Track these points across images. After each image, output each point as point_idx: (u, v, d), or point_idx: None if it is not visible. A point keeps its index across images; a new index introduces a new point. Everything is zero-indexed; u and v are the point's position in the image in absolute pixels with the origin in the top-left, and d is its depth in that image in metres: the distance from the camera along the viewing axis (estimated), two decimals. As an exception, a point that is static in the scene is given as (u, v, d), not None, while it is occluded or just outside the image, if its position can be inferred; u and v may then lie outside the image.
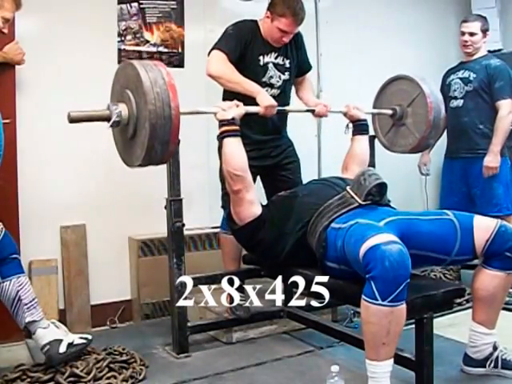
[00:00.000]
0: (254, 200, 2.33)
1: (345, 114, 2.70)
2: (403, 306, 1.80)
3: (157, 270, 3.09)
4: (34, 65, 2.91)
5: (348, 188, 2.24)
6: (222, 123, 2.29)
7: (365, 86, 3.97)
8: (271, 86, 2.83)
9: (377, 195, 2.22)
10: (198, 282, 2.88)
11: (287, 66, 2.89)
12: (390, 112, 2.65)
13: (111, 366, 2.32)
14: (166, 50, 3.35)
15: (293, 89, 3.04)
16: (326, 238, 2.14)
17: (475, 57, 3.51)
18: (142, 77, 1.87)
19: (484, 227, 2.09)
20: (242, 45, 2.73)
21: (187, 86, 2.98)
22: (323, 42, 3.87)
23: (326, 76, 3.89)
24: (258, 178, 2.91)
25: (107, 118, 1.98)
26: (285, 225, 2.30)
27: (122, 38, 3.24)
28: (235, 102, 2.35)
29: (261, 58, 2.79)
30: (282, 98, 2.87)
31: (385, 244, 1.78)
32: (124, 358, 2.40)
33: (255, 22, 2.86)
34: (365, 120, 2.74)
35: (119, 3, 3.21)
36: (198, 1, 3.43)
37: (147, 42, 3.31)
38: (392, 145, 2.73)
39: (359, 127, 2.72)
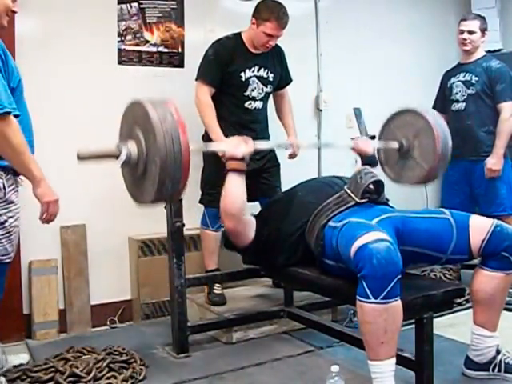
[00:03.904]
0: (248, 231, 2.31)
1: (353, 149, 2.67)
2: (397, 303, 1.79)
3: (157, 270, 3.09)
4: (33, 64, 2.91)
5: (345, 187, 2.26)
6: (231, 159, 2.23)
7: (364, 86, 3.99)
8: (253, 99, 3.00)
9: (374, 193, 2.24)
10: (197, 282, 2.89)
11: (270, 79, 3.05)
12: (396, 145, 2.64)
13: (111, 365, 2.32)
14: (166, 50, 3.35)
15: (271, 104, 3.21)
16: (323, 237, 2.15)
17: (474, 58, 3.49)
18: (150, 113, 1.85)
19: (480, 227, 2.09)
20: (223, 68, 2.91)
21: (187, 86, 3.01)
22: (323, 42, 3.88)
23: (325, 76, 3.90)
24: None
25: (117, 156, 1.95)
26: (284, 225, 2.31)
27: (122, 38, 3.24)
28: (244, 137, 2.30)
29: (242, 74, 2.95)
30: (264, 109, 3.09)
31: (372, 242, 1.80)
32: (124, 357, 2.40)
33: (238, 34, 3.00)
34: (373, 154, 2.67)
35: (119, 3, 3.21)
36: (198, 1, 3.43)
37: (147, 42, 3.30)
38: (400, 178, 2.70)
39: (368, 161, 2.64)
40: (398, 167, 2.67)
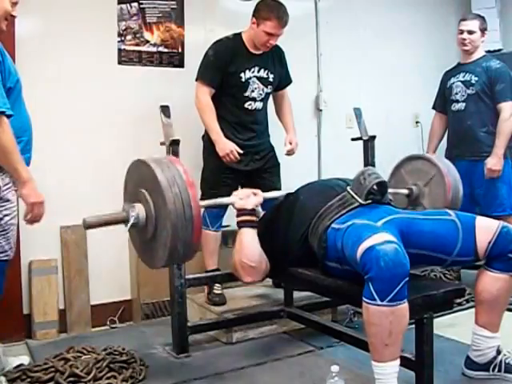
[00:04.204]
0: (266, 271, 2.28)
1: None
2: (404, 306, 1.78)
3: (157, 270, 3.05)
4: (33, 65, 2.91)
5: (348, 188, 2.23)
6: (241, 212, 2.24)
7: (364, 86, 4.00)
8: (253, 99, 3.00)
9: (377, 194, 2.21)
10: (197, 282, 2.89)
11: (270, 80, 3.06)
12: (406, 192, 2.63)
13: (111, 366, 2.32)
14: (166, 50, 3.35)
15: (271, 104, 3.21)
16: (326, 239, 2.12)
17: (474, 58, 3.49)
18: (159, 177, 1.80)
19: (486, 228, 2.06)
20: (222, 69, 2.91)
21: (187, 86, 3.01)
22: (323, 42, 3.89)
23: (325, 76, 3.90)
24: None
25: (124, 221, 1.92)
26: (288, 229, 2.28)
27: (122, 38, 3.24)
28: (253, 190, 2.32)
29: (242, 74, 2.95)
30: (264, 109, 3.09)
31: (379, 244, 1.77)
32: (124, 358, 2.39)
33: (238, 35, 3.00)
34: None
35: (119, 3, 3.21)
36: (198, 1, 3.43)
37: (147, 42, 3.31)
38: None
39: None
40: None
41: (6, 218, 2.05)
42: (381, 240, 1.79)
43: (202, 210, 2.32)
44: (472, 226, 2.07)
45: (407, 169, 2.69)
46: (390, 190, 2.66)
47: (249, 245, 2.22)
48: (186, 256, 1.94)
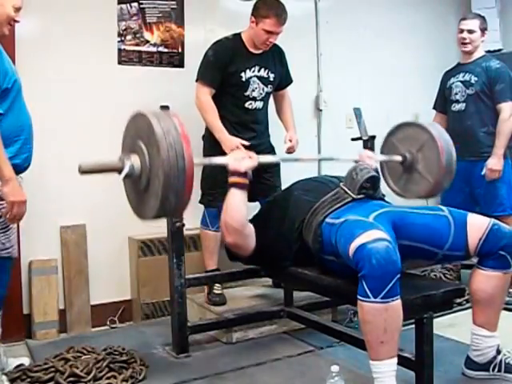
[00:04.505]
0: (248, 244, 2.31)
1: (356, 162, 2.66)
2: (397, 302, 1.79)
3: (157, 270, 3.09)
4: (33, 65, 2.91)
5: (341, 184, 2.26)
6: (234, 174, 2.23)
7: (364, 86, 3.99)
8: (254, 99, 3.01)
9: (370, 188, 2.25)
10: (197, 282, 2.89)
11: (271, 79, 3.06)
12: (400, 158, 2.63)
13: (111, 366, 2.32)
14: (166, 50, 3.35)
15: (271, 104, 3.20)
16: (321, 234, 2.15)
17: (474, 58, 3.49)
18: (155, 126, 1.82)
19: (477, 225, 2.09)
20: (222, 69, 2.92)
21: (187, 85, 3.01)
22: (323, 42, 3.89)
23: (325, 76, 3.90)
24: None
25: (119, 170, 1.93)
26: (282, 225, 2.31)
27: (122, 38, 3.24)
28: (248, 152, 2.31)
29: (242, 74, 2.95)
30: (265, 109, 3.09)
31: (371, 242, 1.80)
32: (124, 358, 2.40)
33: (238, 35, 3.01)
34: (376, 168, 2.62)
35: (119, 3, 3.21)
36: (198, 1, 3.43)
37: (147, 42, 3.31)
38: (405, 192, 2.68)
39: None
40: (402, 181, 2.65)
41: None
42: (372, 238, 1.82)
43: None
44: (464, 223, 2.10)
45: (398, 137, 2.70)
46: (383, 158, 2.68)
47: (235, 206, 2.21)
48: (177, 208, 1.94)
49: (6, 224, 2.10)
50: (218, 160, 2.34)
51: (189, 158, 1.83)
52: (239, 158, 2.22)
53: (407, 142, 2.62)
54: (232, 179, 2.21)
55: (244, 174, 2.20)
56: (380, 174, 2.59)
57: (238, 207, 2.21)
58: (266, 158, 2.49)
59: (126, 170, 1.90)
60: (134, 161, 1.91)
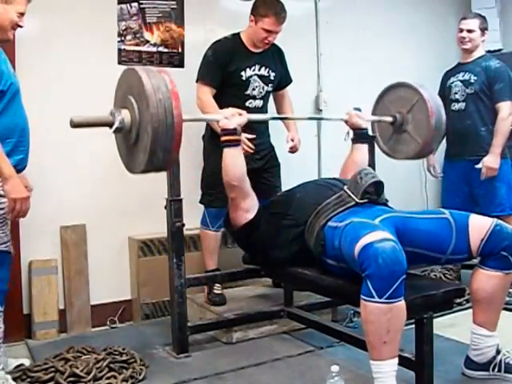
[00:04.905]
0: (248, 208, 2.37)
1: (346, 122, 2.68)
2: (401, 303, 1.79)
3: (157, 270, 3.09)
4: (33, 65, 2.92)
5: (345, 187, 2.26)
6: (224, 132, 2.29)
7: (364, 86, 3.99)
8: (254, 97, 3.01)
9: (373, 194, 2.24)
10: (197, 282, 2.89)
11: (271, 78, 3.07)
12: (390, 119, 2.64)
13: (111, 365, 2.32)
14: (166, 50, 3.35)
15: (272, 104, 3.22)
16: (323, 237, 2.15)
17: (473, 57, 3.49)
18: (144, 82, 1.86)
19: (479, 226, 2.09)
20: (222, 68, 2.93)
21: (187, 85, 2.99)
22: (323, 42, 3.89)
23: (325, 76, 3.90)
24: None
25: (110, 124, 1.98)
26: (283, 226, 2.31)
27: (122, 38, 3.24)
28: (238, 110, 2.36)
29: (242, 73, 2.96)
30: (265, 108, 3.09)
31: (377, 242, 1.79)
32: (124, 358, 2.39)
33: (237, 34, 3.02)
34: (366, 128, 2.71)
35: (119, 3, 3.21)
36: (198, 1, 3.43)
37: (147, 42, 3.31)
38: (394, 152, 2.71)
39: (360, 136, 2.68)
40: (392, 142, 2.67)
41: (0, 212, 2.12)
42: (378, 238, 1.81)
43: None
44: (465, 224, 2.10)
45: (390, 98, 2.70)
46: (374, 118, 2.69)
47: (230, 164, 2.29)
48: (165, 163, 1.99)
49: (3, 218, 2.12)
50: (209, 116, 2.39)
51: (177, 114, 1.87)
52: (229, 115, 2.29)
53: (398, 103, 2.63)
54: (223, 138, 2.28)
55: (234, 131, 2.27)
56: (367, 132, 2.64)
57: (234, 163, 2.29)
58: (256, 116, 2.53)
59: (116, 124, 1.94)
60: (125, 115, 1.95)
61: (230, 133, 2.28)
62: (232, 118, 2.28)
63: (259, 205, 2.42)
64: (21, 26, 2.20)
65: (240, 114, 2.33)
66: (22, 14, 2.17)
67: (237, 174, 2.30)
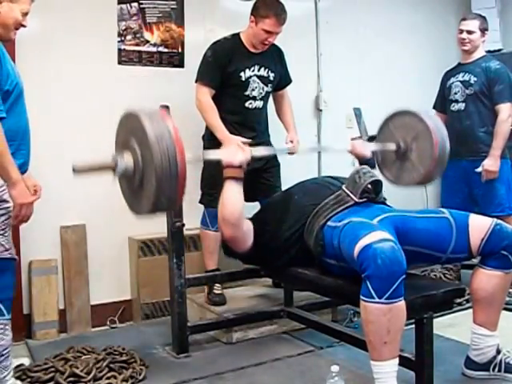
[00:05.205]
0: (246, 238, 2.30)
1: (350, 152, 2.67)
2: (401, 303, 1.79)
3: (157, 270, 3.09)
4: (33, 65, 2.91)
5: (343, 187, 2.26)
6: (228, 167, 2.22)
7: (364, 86, 4.00)
8: (254, 98, 3.01)
9: (372, 193, 2.24)
10: (197, 282, 2.89)
11: (271, 78, 3.06)
12: (394, 147, 2.63)
13: (111, 365, 2.32)
14: (166, 50, 3.35)
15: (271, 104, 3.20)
16: (323, 237, 2.15)
17: (474, 58, 3.49)
18: (147, 130, 1.81)
19: (479, 226, 2.09)
20: (221, 69, 2.91)
21: (187, 86, 3.02)
22: (323, 42, 3.88)
23: (325, 76, 3.90)
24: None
25: (112, 168, 1.95)
26: (282, 228, 2.30)
27: (122, 38, 3.24)
28: (241, 145, 2.31)
29: (242, 73, 2.95)
30: (264, 109, 3.09)
31: (376, 242, 1.79)
32: (124, 358, 2.40)
33: (237, 35, 3.01)
34: (371, 158, 2.63)
35: (119, 3, 3.21)
36: (198, 1, 3.43)
37: (147, 42, 3.31)
38: (396, 179, 2.70)
39: (366, 165, 2.58)
40: (395, 169, 2.67)
41: (2, 218, 2.07)
42: (378, 238, 1.81)
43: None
44: (465, 224, 2.10)
45: (395, 124, 2.69)
46: (377, 147, 2.69)
47: (230, 201, 2.20)
48: (170, 208, 2.00)
49: (5, 225, 2.10)
50: (211, 155, 2.35)
51: (181, 163, 1.82)
52: (232, 152, 2.22)
53: (403, 130, 2.62)
54: (227, 173, 2.21)
55: (238, 167, 2.20)
56: (374, 160, 2.60)
57: (235, 200, 2.21)
58: (259, 151, 2.47)
59: (119, 170, 1.91)
60: (127, 160, 1.91)
61: (235, 168, 2.21)
62: (235, 154, 2.21)
63: (252, 224, 2.35)
64: (24, 26, 2.18)
65: (243, 150, 2.26)
66: (25, 14, 2.16)
67: (236, 211, 2.21)
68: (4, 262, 2.10)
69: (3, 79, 2.04)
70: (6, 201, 2.08)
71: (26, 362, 2.46)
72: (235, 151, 2.22)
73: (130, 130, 1.95)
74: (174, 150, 1.81)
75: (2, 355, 2.06)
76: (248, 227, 2.30)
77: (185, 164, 1.85)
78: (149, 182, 1.85)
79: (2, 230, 2.08)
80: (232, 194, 2.20)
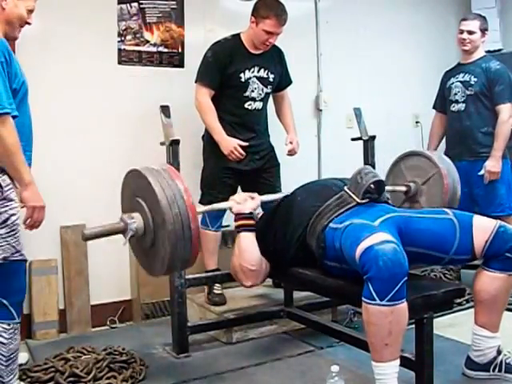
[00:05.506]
0: (265, 276, 2.33)
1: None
2: (403, 305, 1.78)
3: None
4: (33, 64, 2.91)
5: (346, 188, 2.24)
6: (239, 217, 2.27)
7: (364, 86, 4.00)
8: (253, 99, 3.00)
9: (374, 193, 2.23)
10: (197, 282, 2.89)
11: (270, 79, 3.05)
12: (404, 189, 2.63)
13: (111, 366, 2.32)
14: (166, 50, 3.35)
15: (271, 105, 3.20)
16: (324, 239, 2.13)
17: (474, 58, 3.49)
18: (159, 195, 1.79)
19: (483, 227, 2.08)
20: (221, 70, 2.91)
21: (187, 86, 3.02)
22: (323, 42, 3.89)
23: (325, 76, 3.90)
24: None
25: (122, 231, 1.93)
26: (286, 230, 2.28)
27: (122, 38, 3.24)
28: (250, 194, 2.37)
29: (242, 74, 2.95)
30: (264, 110, 3.08)
31: (378, 244, 1.78)
32: (124, 358, 2.40)
33: (237, 35, 3.01)
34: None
35: (119, 3, 3.21)
36: (198, 1, 3.43)
37: (147, 42, 3.30)
38: None
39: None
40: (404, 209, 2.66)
41: (13, 218, 2.02)
42: (379, 240, 1.80)
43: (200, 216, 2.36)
44: (469, 225, 2.08)
45: (407, 164, 2.68)
46: (387, 188, 2.67)
47: (248, 248, 2.24)
48: (184, 268, 2.01)
49: (15, 226, 2.05)
50: (220, 205, 2.38)
51: (195, 227, 1.81)
52: (242, 200, 2.28)
53: (415, 172, 2.61)
54: (238, 223, 2.26)
55: (249, 215, 2.25)
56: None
57: (251, 249, 2.25)
58: (269, 197, 2.48)
59: (129, 233, 1.89)
60: (137, 222, 1.90)
61: (245, 217, 2.25)
62: (244, 203, 2.26)
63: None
64: (29, 23, 2.17)
65: (252, 198, 2.31)
66: (31, 11, 2.15)
67: (255, 258, 2.24)
68: (15, 264, 2.05)
69: (11, 78, 2.03)
70: (13, 200, 2.04)
71: (25, 357, 2.46)
72: (244, 199, 2.28)
73: (136, 189, 1.93)
74: (188, 216, 1.80)
75: (10, 359, 2.03)
76: (267, 265, 2.31)
77: (198, 227, 1.85)
78: (162, 245, 1.84)
79: (13, 230, 2.02)
80: (247, 244, 2.25)
